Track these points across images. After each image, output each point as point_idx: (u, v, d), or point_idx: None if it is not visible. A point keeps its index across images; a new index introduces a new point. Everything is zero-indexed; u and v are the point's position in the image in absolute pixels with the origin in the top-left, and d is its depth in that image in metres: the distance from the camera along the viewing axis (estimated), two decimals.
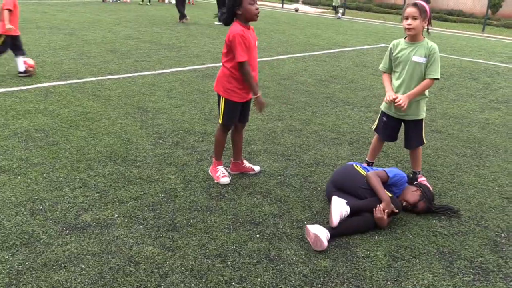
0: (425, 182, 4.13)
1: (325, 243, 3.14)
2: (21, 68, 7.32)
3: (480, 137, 5.71)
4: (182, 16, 15.93)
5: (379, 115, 4.26)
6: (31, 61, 7.45)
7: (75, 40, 11.12)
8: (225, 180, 4.09)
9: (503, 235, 3.53)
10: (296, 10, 24.01)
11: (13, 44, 7.20)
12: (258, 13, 3.75)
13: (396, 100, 3.80)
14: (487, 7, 20.00)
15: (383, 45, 13.15)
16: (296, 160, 4.70)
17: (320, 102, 6.84)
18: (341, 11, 21.90)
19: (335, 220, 3.30)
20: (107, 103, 6.21)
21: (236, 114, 3.97)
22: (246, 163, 4.35)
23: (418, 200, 3.68)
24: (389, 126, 4.16)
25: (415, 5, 3.76)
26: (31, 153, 4.50)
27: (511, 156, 5.14)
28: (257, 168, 4.37)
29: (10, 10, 6.91)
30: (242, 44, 3.67)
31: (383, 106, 4.19)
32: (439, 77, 3.86)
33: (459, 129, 5.97)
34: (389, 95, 3.88)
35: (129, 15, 17.59)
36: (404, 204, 3.68)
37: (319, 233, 3.15)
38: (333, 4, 21.73)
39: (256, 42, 3.92)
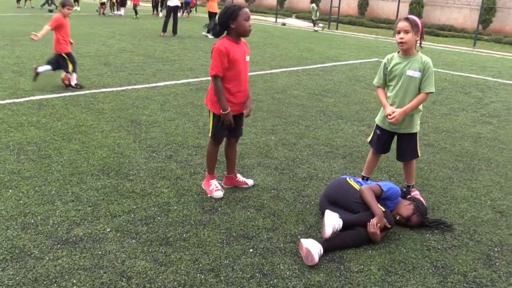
0: (418, 196, 4.14)
1: (316, 258, 3.13)
2: (41, 69, 7.61)
3: (472, 151, 5.74)
4: (164, 29, 15.94)
5: (373, 128, 4.28)
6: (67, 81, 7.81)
7: None
8: (219, 194, 4.07)
9: (496, 249, 3.53)
10: (284, 25, 24.36)
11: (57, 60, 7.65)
12: (250, 30, 3.80)
13: (389, 117, 3.85)
14: (477, 22, 20.27)
15: (375, 59, 13.26)
16: (289, 174, 4.70)
17: (313, 116, 6.86)
18: (321, 25, 22.38)
19: (328, 231, 3.29)
20: (100, 116, 6.19)
21: (225, 128, 3.97)
22: (240, 177, 4.34)
23: (412, 214, 3.68)
24: (383, 139, 4.18)
25: (407, 19, 3.81)
26: (23, 166, 4.47)
27: (503, 170, 5.17)
28: (250, 182, 4.36)
29: (51, 29, 7.41)
30: (217, 58, 3.71)
31: (377, 119, 4.22)
32: (434, 90, 3.91)
33: (451, 143, 6.01)
34: (388, 111, 3.91)
35: (123, 28, 17.65)
36: (397, 218, 3.68)
37: (311, 247, 3.14)
38: (312, 18, 22.28)
39: (247, 57, 3.94)
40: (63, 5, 7.51)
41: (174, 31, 16.10)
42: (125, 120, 6.08)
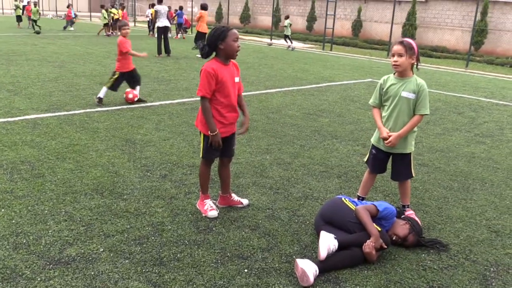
0: (413, 216, 4.14)
1: (312, 279, 3.10)
2: (101, 94, 8.08)
3: (467, 170, 5.76)
4: (159, 51, 16.03)
5: (369, 148, 4.32)
6: (130, 95, 8.28)
7: (64, 73, 11.15)
8: (213, 213, 4.05)
9: (492, 269, 3.52)
10: (270, 45, 24.76)
11: (129, 77, 8.27)
12: (238, 51, 3.83)
13: (386, 142, 3.93)
14: (470, 44, 20.54)
15: (370, 79, 13.37)
16: (284, 193, 4.69)
17: (308, 136, 6.88)
18: (289, 43, 22.87)
19: (323, 253, 3.27)
20: (95, 135, 6.18)
21: (215, 149, 3.97)
22: (235, 197, 4.32)
23: (408, 234, 3.67)
24: (378, 158, 4.20)
25: (401, 43, 3.86)
26: (16, 186, 4.44)
27: (498, 189, 5.18)
28: (245, 201, 4.34)
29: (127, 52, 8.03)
30: (205, 80, 3.73)
31: (372, 139, 4.25)
32: (428, 112, 3.95)
33: (445, 162, 6.03)
34: (384, 134, 3.96)
35: None
36: (394, 238, 3.67)
37: (307, 268, 3.11)
38: (285, 33, 22.74)
39: (236, 79, 3.94)
40: (119, 27, 8.23)
41: (167, 51, 16.20)
42: (119, 139, 6.07)
